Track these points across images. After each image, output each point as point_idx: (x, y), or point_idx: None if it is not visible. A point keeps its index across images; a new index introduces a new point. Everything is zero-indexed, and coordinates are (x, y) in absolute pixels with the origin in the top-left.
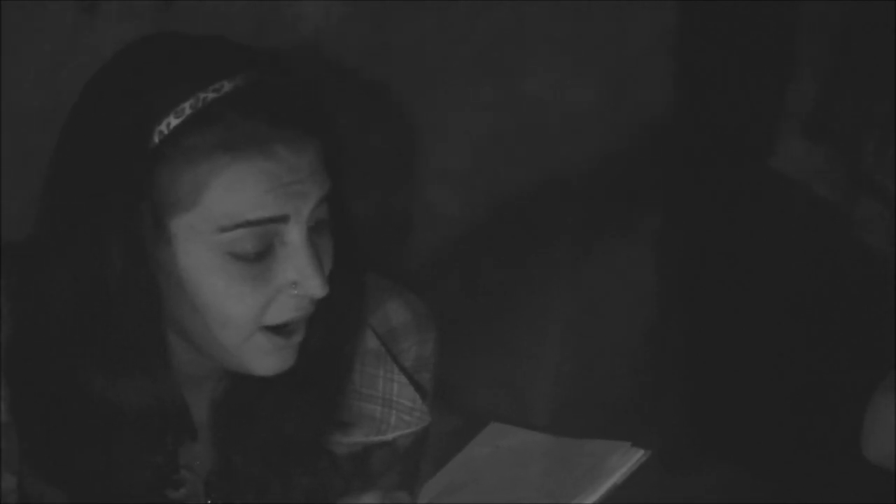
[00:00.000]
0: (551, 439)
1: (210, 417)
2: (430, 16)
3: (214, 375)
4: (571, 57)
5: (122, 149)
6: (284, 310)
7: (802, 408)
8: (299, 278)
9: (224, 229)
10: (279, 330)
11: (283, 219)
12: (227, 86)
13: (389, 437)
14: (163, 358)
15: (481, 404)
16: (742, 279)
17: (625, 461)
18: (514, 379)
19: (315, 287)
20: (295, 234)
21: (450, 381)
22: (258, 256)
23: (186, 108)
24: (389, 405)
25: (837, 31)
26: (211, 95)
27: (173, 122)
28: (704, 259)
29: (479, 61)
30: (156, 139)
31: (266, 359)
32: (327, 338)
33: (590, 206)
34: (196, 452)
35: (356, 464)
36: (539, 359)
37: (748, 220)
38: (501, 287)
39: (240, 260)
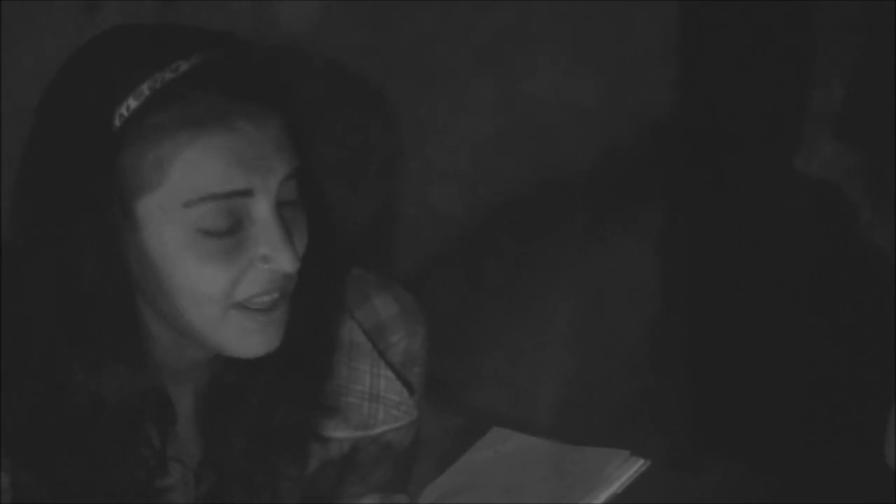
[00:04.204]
0: (551, 445)
1: (196, 408)
2: (431, 15)
3: (199, 366)
4: (573, 55)
5: (85, 135)
6: (255, 284)
7: (807, 407)
8: (270, 252)
9: (189, 204)
10: (256, 307)
11: (249, 192)
12: (183, 65)
13: (377, 431)
14: (140, 346)
15: (484, 404)
16: (746, 278)
17: (624, 470)
18: (516, 379)
19: (286, 261)
20: (263, 209)
21: (452, 380)
22: (228, 232)
23: (144, 89)
24: (376, 400)
25: (864, 31)
26: (168, 75)
27: (133, 104)
28: (707, 258)
29: (480, 60)
30: (117, 122)
31: (249, 338)
32: (306, 322)
33: (592, 205)
34: (184, 444)
35: (346, 459)
36: (542, 358)
37: (753, 219)
38: (504, 286)
39: (209, 236)
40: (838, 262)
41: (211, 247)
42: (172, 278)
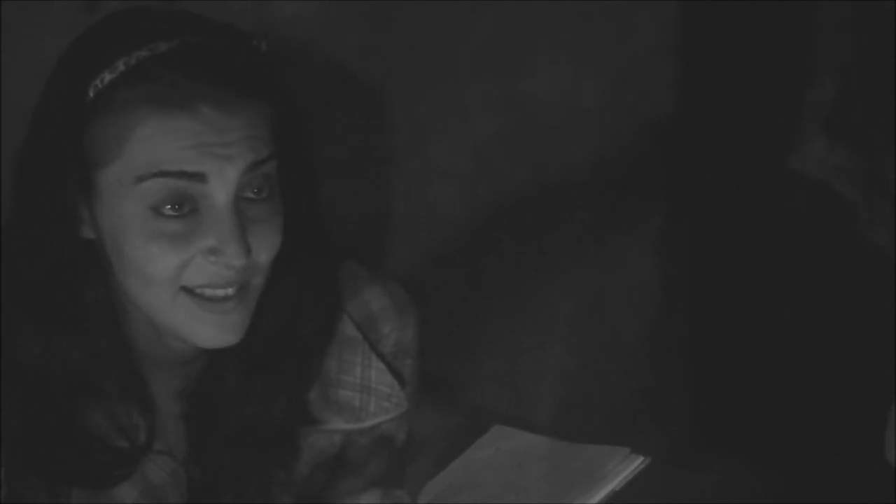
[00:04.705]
0: (551, 443)
1: (180, 405)
2: (432, 15)
3: (184, 361)
4: (574, 55)
5: (61, 105)
6: (203, 274)
7: (807, 407)
8: (218, 244)
9: (141, 179)
10: (206, 295)
11: (201, 176)
12: (162, 46)
13: (368, 424)
14: (108, 317)
15: (484, 403)
16: (746, 278)
17: (624, 468)
18: (516, 378)
19: (232, 254)
20: (219, 198)
21: (452, 379)
22: (180, 216)
23: (120, 64)
24: (368, 392)
25: (858, 29)
26: (145, 53)
27: (107, 77)
28: (707, 258)
29: (481, 60)
30: (91, 94)
31: (203, 327)
32: (283, 318)
33: (593, 205)
34: (174, 440)
35: (339, 453)
36: (542, 358)
37: (753, 219)
38: (504, 286)
39: (160, 216)
40: (838, 262)
41: (160, 227)
42: (123, 254)
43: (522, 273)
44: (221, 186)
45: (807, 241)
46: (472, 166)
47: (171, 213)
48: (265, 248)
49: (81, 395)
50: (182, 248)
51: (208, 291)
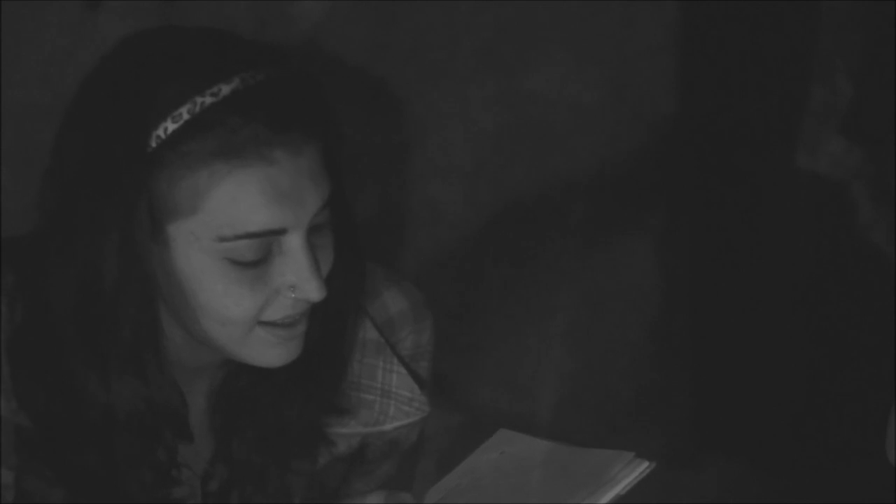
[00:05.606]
0: (556, 447)
1: (210, 406)
2: (434, 13)
3: (214, 364)
4: (575, 53)
5: (120, 152)
6: (281, 309)
7: (807, 407)
8: (297, 282)
9: (224, 239)
10: (279, 324)
11: (284, 231)
12: (224, 89)
13: (388, 427)
14: (156, 361)
15: (484, 402)
16: (746, 278)
17: (629, 472)
18: (517, 376)
19: (313, 291)
20: (294, 242)
21: (453, 377)
22: (255, 262)
23: (184, 113)
24: (388, 396)
25: (870, 29)
26: (209, 100)
27: (171, 127)
28: (708, 257)
29: (482, 58)
30: (153, 143)
31: (271, 350)
32: (327, 327)
33: (594, 203)
34: (195, 441)
35: (355, 454)
36: (543, 356)
37: (754, 219)
38: (505, 285)
39: (237, 265)
40: (838, 262)
41: (238, 275)
42: (198, 298)
43: (523, 271)
44: (297, 231)
45: (807, 241)
46: (473, 164)
47: (249, 261)
48: (326, 270)
49: (108, 420)
50: (261, 291)
51: (280, 321)
